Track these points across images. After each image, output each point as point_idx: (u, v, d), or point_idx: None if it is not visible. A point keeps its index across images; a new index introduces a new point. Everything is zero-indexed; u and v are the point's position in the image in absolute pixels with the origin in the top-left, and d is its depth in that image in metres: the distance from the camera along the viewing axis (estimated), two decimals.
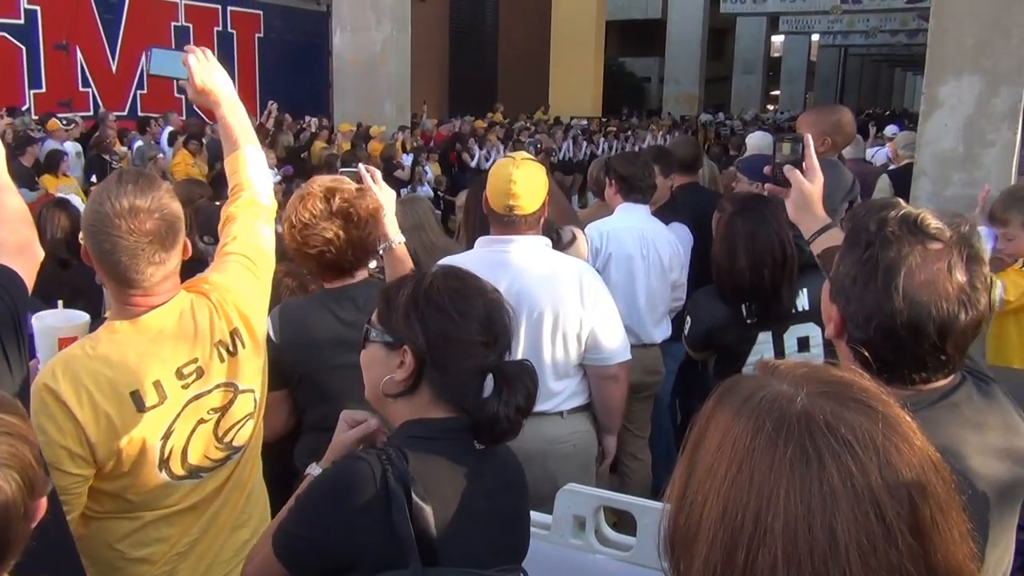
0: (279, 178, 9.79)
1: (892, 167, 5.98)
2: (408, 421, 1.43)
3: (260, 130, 11.92)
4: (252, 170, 2.01)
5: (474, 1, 24.81)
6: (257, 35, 16.94)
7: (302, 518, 1.36)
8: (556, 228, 2.71)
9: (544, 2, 22.26)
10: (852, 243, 1.28)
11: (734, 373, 2.74)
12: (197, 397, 1.77)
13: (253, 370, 1.88)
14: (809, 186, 1.82)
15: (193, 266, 2.96)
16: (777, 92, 37.99)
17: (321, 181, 2.23)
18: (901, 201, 1.31)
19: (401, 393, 1.42)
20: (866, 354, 1.23)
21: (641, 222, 3.56)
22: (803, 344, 2.74)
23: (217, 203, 3.60)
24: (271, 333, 2.13)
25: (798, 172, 1.83)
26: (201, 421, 1.79)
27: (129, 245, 1.64)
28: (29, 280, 1.82)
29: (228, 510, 1.90)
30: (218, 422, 1.82)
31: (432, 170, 13.05)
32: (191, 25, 15.84)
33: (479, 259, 2.49)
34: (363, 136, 12.91)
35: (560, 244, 2.67)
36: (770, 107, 34.20)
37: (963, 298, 1.20)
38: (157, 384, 1.71)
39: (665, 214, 4.00)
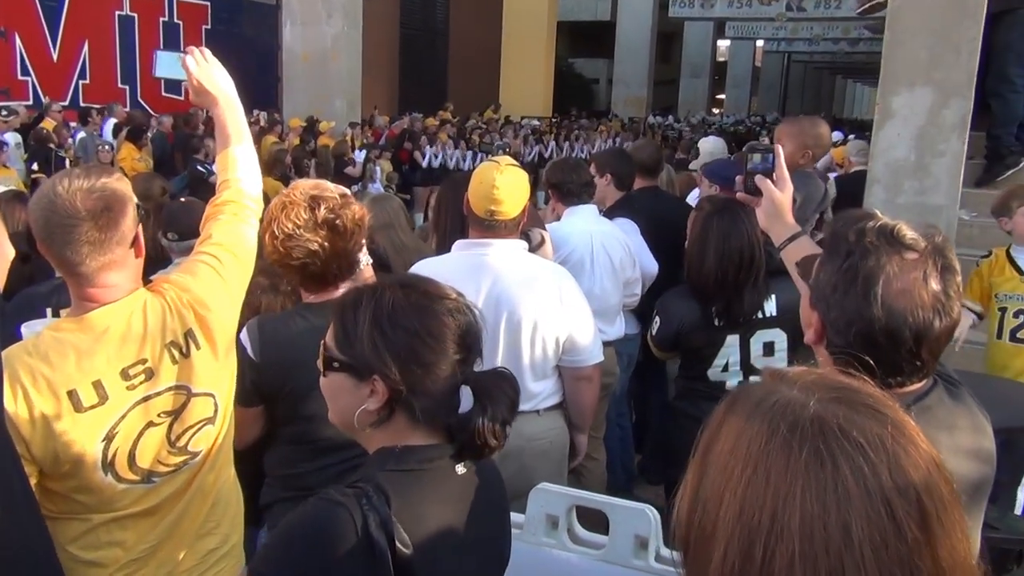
0: None
1: (836, 174, 6.15)
2: (384, 450, 1.34)
3: (199, 121, 11.75)
4: (241, 169, 2.00)
5: None
6: (204, 27, 16.60)
7: (278, 568, 1.25)
8: (525, 231, 2.73)
9: (495, 1, 22.28)
10: (832, 252, 1.33)
11: (699, 374, 2.81)
12: (146, 399, 1.72)
13: (211, 373, 1.83)
14: (780, 195, 1.88)
15: (155, 264, 2.93)
16: (723, 96, 38.61)
17: (303, 188, 2.12)
18: (878, 212, 1.36)
19: (375, 422, 1.33)
20: (847, 359, 1.28)
21: (588, 224, 3.59)
22: (768, 349, 2.82)
23: (183, 199, 3.55)
24: (249, 350, 2.06)
25: (769, 182, 1.89)
26: (151, 424, 1.74)
27: (63, 221, 1.61)
28: (0, 277, 1.78)
29: (191, 517, 1.85)
30: (171, 426, 1.77)
31: (383, 167, 12.98)
32: (136, 15, 15.47)
33: (458, 263, 2.50)
34: (312, 132, 12.79)
35: (531, 247, 2.70)
36: (716, 111, 34.73)
37: (938, 306, 1.26)
38: (97, 384, 1.66)
39: (622, 215, 4.06)
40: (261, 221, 2.08)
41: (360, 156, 12.44)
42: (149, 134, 11.17)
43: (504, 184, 2.45)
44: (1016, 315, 3.37)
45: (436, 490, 1.31)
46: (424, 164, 14.26)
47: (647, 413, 4.65)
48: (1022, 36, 4.87)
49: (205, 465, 1.86)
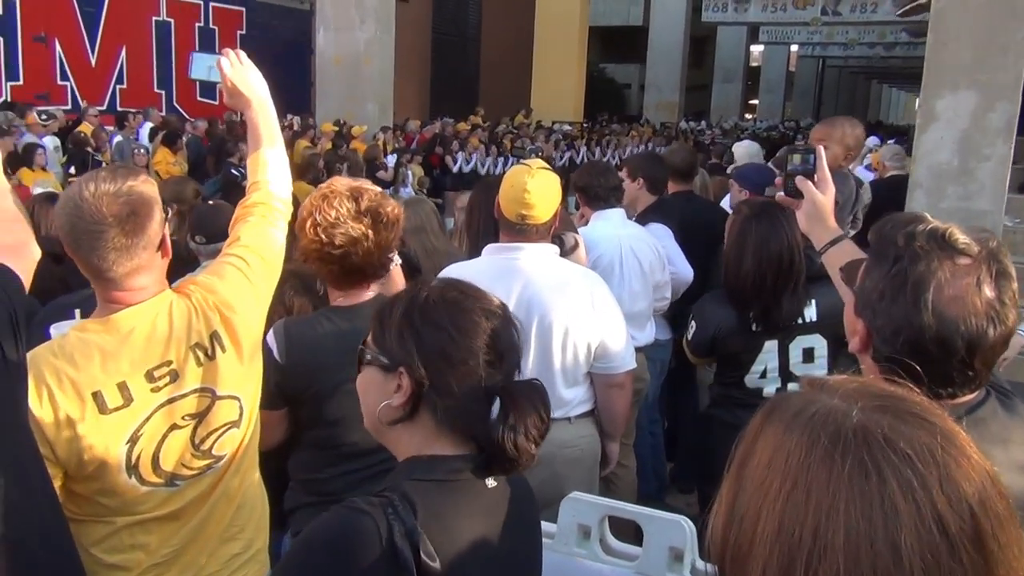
0: None
1: (872, 178, 6.06)
2: (413, 459, 1.32)
3: (241, 127, 11.87)
4: (271, 172, 1.99)
5: (457, 3, 24.82)
6: (239, 32, 16.81)
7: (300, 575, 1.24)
8: (558, 234, 2.69)
9: (527, 6, 22.30)
10: (880, 257, 1.28)
11: (735, 380, 2.76)
12: (170, 401, 1.71)
13: (236, 376, 1.81)
14: (821, 197, 1.83)
15: (186, 266, 2.93)
16: (756, 101, 38.30)
17: (343, 182, 2.12)
18: (928, 215, 1.30)
19: (399, 419, 1.31)
20: (895, 368, 1.22)
21: (616, 228, 3.55)
22: (808, 355, 2.75)
23: (211, 202, 3.56)
24: (275, 352, 2.05)
25: (810, 183, 1.84)
26: (175, 427, 1.72)
27: (89, 228, 1.59)
28: (27, 279, 1.77)
29: (215, 521, 1.83)
30: (195, 429, 1.76)
31: (414, 172, 13.02)
32: (172, 20, 15.71)
33: (489, 267, 2.47)
34: (345, 136, 12.85)
35: (563, 251, 2.66)
36: (748, 116, 34.46)
37: (992, 313, 1.20)
38: (122, 386, 1.65)
39: (656, 220, 4.02)
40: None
41: (391, 160, 12.48)
42: (184, 138, 11.27)
43: (535, 188, 2.41)
44: None
45: (465, 502, 1.28)
46: (455, 169, 14.29)
47: (679, 420, 4.59)
48: None
49: (230, 469, 1.84)
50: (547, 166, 2.53)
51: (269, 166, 2.01)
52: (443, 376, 1.27)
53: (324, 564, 1.19)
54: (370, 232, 2.05)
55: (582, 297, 2.49)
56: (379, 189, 2.16)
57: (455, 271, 2.51)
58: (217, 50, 2.09)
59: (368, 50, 13.69)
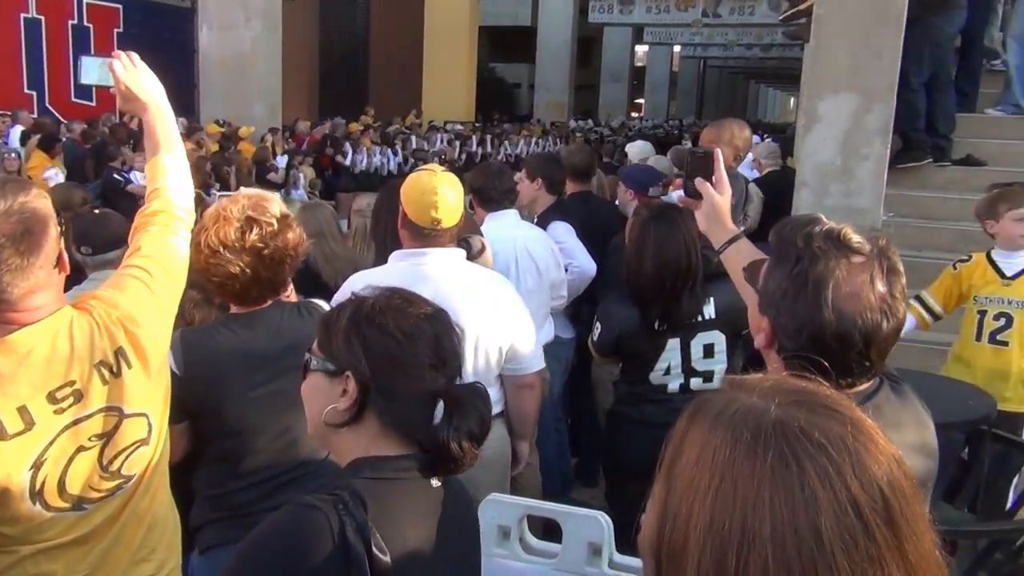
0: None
1: (755, 176, 6.32)
2: (359, 460, 1.34)
3: (123, 129, 11.40)
4: (171, 178, 1.92)
5: (344, 2, 24.47)
6: (116, 30, 16.10)
7: (255, 574, 1.24)
8: (464, 237, 2.71)
9: (416, 5, 22.17)
10: (781, 258, 1.35)
11: (641, 378, 2.83)
12: (75, 423, 1.64)
13: (144, 393, 1.75)
14: (719, 199, 1.91)
15: (72, 277, 2.80)
16: (642, 100, 39.23)
17: (244, 205, 2.08)
18: (823, 216, 1.39)
19: (345, 423, 1.34)
20: (800, 362, 1.30)
21: (511, 228, 3.60)
22: (708, 351, 2.86)
23: (97, 210, 3.40)
24: (172, 364, 1.99)
25: (708, 185, 1.91)
26: (81, 449, 1.65)
27: None
28: None
29: (124, 544, 1.77)
30: (103, 449, 1.69)
31: (306, 173, 12.78)
32: (43, 18, 14.90)
33: (398, 274, 2.46)
34: (232, 138, 12.51)
35: (471, 254, 2.68)
36: (635, 115, 35.25)
37: (884, 308, 1.29)
38: (23, 410, 1.57)
39: (556, 218, 4.08)
40: (195, 242, 2.02)
41: (282, 162, 12.22)
42: (60, 142, 10.73)
43: (446, 192, 2.43)
44: (996, 318, 3.45)
45: (411, 500, 1.32)
46: (354, 166, 14.08)
47: (580, 417, 4.67)
48: (919, 40, 5.11)
49: (139, 488, 1.78)
50: (445, 170, 2.55)
51: (168, 172, 1.94)
52: (388, 380, 1.32)
53: (277, 561, 1.20)
54: (248, 270, 2.04)
55: (491, 301, 2.52)
56: (284, 214, 2.12)
57: (362, 279, 2.49)
58: (92, 50, 2.01)
59: (254, 50, 13.36)
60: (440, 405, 1.33)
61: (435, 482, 1.35)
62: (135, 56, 1.94)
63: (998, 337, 3.40)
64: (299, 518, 1.23)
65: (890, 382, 1.41)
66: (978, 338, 3.49)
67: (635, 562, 1.88)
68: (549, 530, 2.20)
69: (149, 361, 1.75)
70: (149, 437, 1.77)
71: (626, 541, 1.92)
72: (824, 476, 0.75)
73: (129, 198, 9.15)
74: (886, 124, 3.76)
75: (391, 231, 2.60)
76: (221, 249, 2.02)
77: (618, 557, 1.91)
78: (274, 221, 2.08)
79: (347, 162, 14.01)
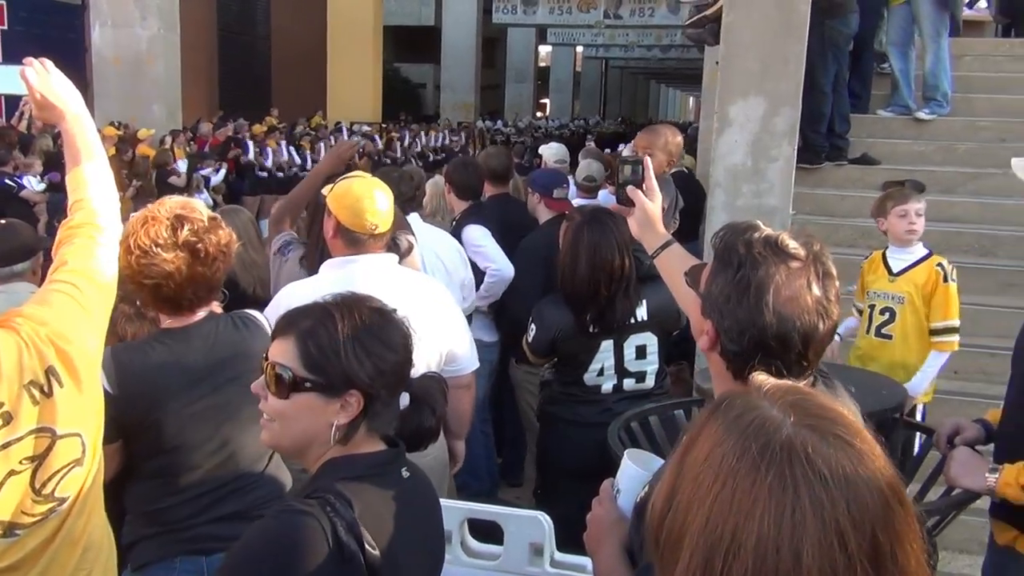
0: (43, 186, 8.96)
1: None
2: (331, 461, 1.37)
3: (12, 132, 10.84)
4: (92, 188, 1.86)
5: (243, 0, 23.90)
6: (0, 28, 15.31)
7: None
8: (392, 237, 2.70)
9: (318, 4, 21.81)
10: (724, 263, 1.41)
11: (575, 379, 2.89)
12: (5, 446, 1.57)
13: (77, 411, 1.69)
14: (651, 205, 1.96)
15: None
16: (547, 100, 39.62)
17: (171, 205, 2.04)
18: (760, 223, 1.45)
19: (344, 437, 1.38)
20: (739, 364, 1.36)
21: (416, 232, 3.62)
22: (640, 352, 2.93)
23: (3, 220, 3.26)
24: (105, 383, 1.91)
25: (640, 192, 1.96)
26: (12, 473, 1.59)
27: None
28: None
29: (58, 568, 1.70)
30: (35, 472, 1.62)
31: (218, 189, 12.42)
32: None
33: (332, 282, 2.44)
34: (130, 140, 12.05)
35: (399, 255, 2.67)
36: (540, 115, 35.58)
37: (821, 310, 1.36)
38: None
39: (471, 221, 4.10)
40: (124, 246, 1.96)
41: (183, 165, 11.85)
42: None
43: (379, 197, 2.42)
44: (882, 312, 3.63)
45: (390, 493, 1.37)
46: (250, 157, 13.73)
47: (504, 417, 4.71)
48: (820, 44, 5.36)
49: (74, 510, 1.71)
50: (369, 175, 2.55)
51: (91, 183, 1.87)
52: (384, 389, 1.38)
53: (273, 569, 1.21)
54: (183, 268, 1.99)
55: (427, 305, 2.51)
56: (211, 215, 2.09)
57: (299, 289, 2.46)
58: None
59: (151, 49, 12.94)
60: (404, 396, 1.41)
61: (405, 473, 1.42)
62: (48, 63, 1.87)
63: (883, 330, 3.59)
64: (291, 524, 1.24)
65: (823, 379, 1.48)
66: (868, 331, 3.70)
67: (577, 560, 1.92)
68: (484, 532, 2.23)
69: (81, 379, 1.69)
70: (83, 457, 1.71)
71: (564, 539, 1.96)
72: (817, 506, 0.78)
73: (21, 204, 8.73)
74: (793, 126, 3.93)
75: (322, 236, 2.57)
76: (153, 248, 1.97)
77: (559, 555, 1.94)
78: (203, 218, 2.05)
79: (250, 156, 13.59)
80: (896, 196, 3.68)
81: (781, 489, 0.79)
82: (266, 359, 1.42)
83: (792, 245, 1.38)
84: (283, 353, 1.39)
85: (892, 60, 6.51)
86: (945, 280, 3.55)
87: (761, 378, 0.93)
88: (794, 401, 0.87)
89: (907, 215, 3.57)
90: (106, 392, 1.92)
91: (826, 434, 0.83)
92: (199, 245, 2.01)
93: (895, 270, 3.64)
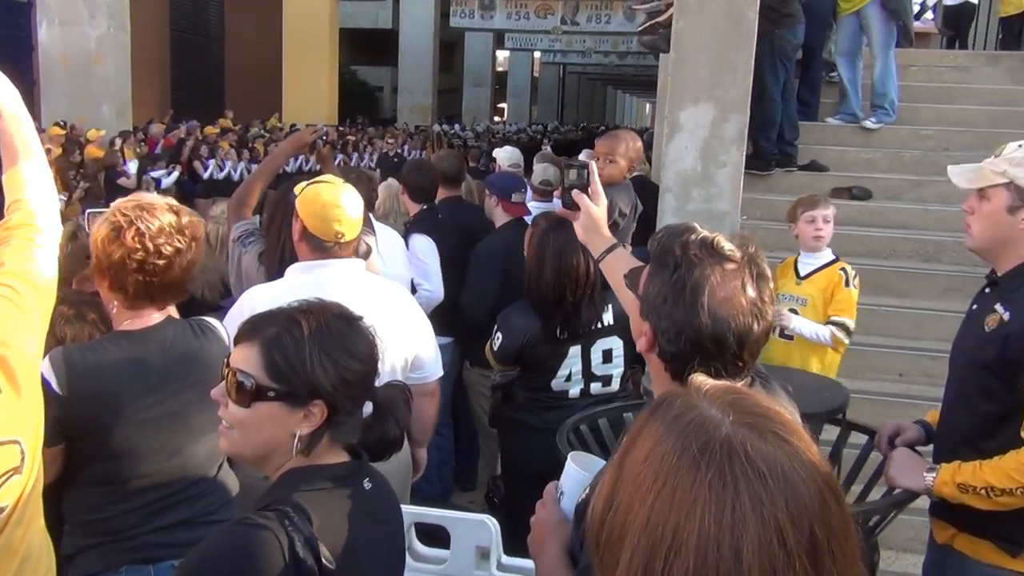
0: None
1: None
2: (292, 471, 1.34)
3: None
4: (31, 189, 1.81)
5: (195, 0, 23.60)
6: None
7: None
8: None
9: (273, 5, 21.61)
10: (660, 265, 1.42)
11: (543, 385, 2.88)
12: None
13: (15, 418, 1.64)
14: (596, 209, 1.96)
15: None
16: (504, 105, 39.71)
17: (152, 196, 2.07)
18: (696, 225, 1.47)
19: (307, 446, 1.35)
20: (677, 365, 1.38)
21: None
22: (607, 356, 2.94)
23: None
24: (53, 384, 1.89)
25: (585, 197, 1.97)
26: None
27: None
28: None
29: None
30: None
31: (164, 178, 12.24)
32: None
33: (298, 287, 2.40)
34: (79, 142, 11.82)
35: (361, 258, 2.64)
36: (497, 119, 35.65)
37: (755, 311, 1.38)
38: None
39: (427, 226, 4.10)
40: (115, 228, 1.97)
41: (133, 167, 11.64)
42: None
43: (348, 204, 2.38)
44: None
45: (350, 506, 1.34)
46: (206, 175, 13.59)
47: (458, 422, 4.71)
48: (770, 53, 5.46)
49: (12, 520, 1.66)
50: (342, 179, 2.49)
51: (28, 183, 1.83)
52: (349, 398, 1.36)
53: None
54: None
55: (392, 311, 2.48)
56: (185, 208, 2.11)
57: (263, 292, 2.42)
58: None
59: (100, 48, 12.70)
60: (368, 405, 1.40)
61: (367, 484, 1.39)
62: None
63: (785, 332, 3.65)
64: (247, 538, 1.22)
65: (760, 380, 1.50)
66: (774, 332, 3.75)
67: (523, 563, 1.93)
68: (433, 536, 2.22)
69: (20, 384, 1.64)
70: (22, 465, 1.66)
71: (518, 544, 1.96)
72: (756, 503, 0.79)
73: None
74: (741, 132, 4.00)
75: (287, 233, 2.53)
76: (164, 230, 1.98)
77: (506, 559, 1.95)
78: (184, 207, 2.10)
79: (206, 170, 13.50)
80: (806, 203, 3.74)
81: (721, 487, 0.79)
82: (227, 365, 1.38)
83: (727, 247, 1.40)
84: (246, 360, 1.35)
85: (840, 69, 6.65)
86: (847, 284, 3.61)
87: (700, 379, 0.93)
88: (732, 400, 0.88)
89: (815, 221, 3.64)
90: (53, 392, 1.89)
91: (764, 432, 0.84)
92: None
93: (802, 274, 3.71)
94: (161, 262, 1.99)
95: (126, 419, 1.96)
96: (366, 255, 2.73)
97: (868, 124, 6.48)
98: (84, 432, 1.96)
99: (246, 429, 1.36)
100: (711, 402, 0.87)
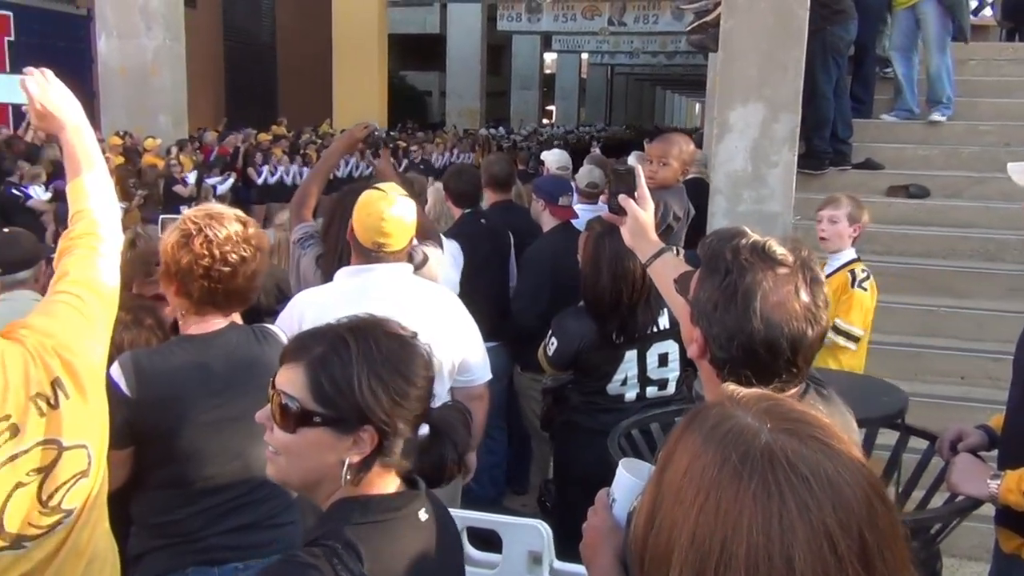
0: (49, 195, 9.01)
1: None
2: (345, 501, 1.26)
3: (20, 142, 10.92)
4: (93, 199, 1.87)
5: (248, 9, 24.02)
6: (7, 38, 15.43)
7: None
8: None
9: (323, 13, 21.89)
10: (711, 270, 1.41)
11: (598, 389, 2.88)
12: (12, 459, 1.57)
13: (83, 423, 1.69)
14: (643, 214, 1.95)
15: None
16: (552, 107, 39.67)
17: (214, 208, 2.13)
18: (747, 229, 1.45)
19: (358, 473, 1.26)
20: (729, 371, 1.36)
21: None
22: (663, 360, 2.92)
23: (6, 230, 3.28)
24: (123, 387, 1.95)
25: (632, 202, 1.96)
26: (19, 485, 1.59)
27: None
28: None
29: None
30: (41, 484, 1.62)
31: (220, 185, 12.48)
32: None
33: (342, 290, 2.44)
34: (138, 150, 12.11)
35: (413, 266, 2.65)
36: (545, 121, 35.63)
37: (809, 316, 1.36)
38: None
39: (460, 231, 4.10)
40: (184, 234, 2.03)
41: (191, 176, 11.90)
42: None
43: (393, 217, 2.40)
44: None
45: (404, 541, 1.26)
46: (259, 181, 13.83)
47: (511, 426, 4.71)
48: (822, 50, 5.36)
49: (79, 522, 1.72)
50: (404, 191, 2.49)
51: (91, 193, 1.89)
52: (402, 422, 1.25)
53: None
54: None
55: (439, 314, 2.49)
56: (251, 219, 2.17)
57: (309, 296, 2.47)
58: None
59: (157, 59, 12.96)
60: (424, 428, 1.30)
61: (423, 515, 1.30)
62: (49, 73, 1.89)
63: None
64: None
65: (815, 386, 1.48)
66: None
67: (575, 568, 1.92)
68: (485, 540, 2.22)
69: (87, 390, 1.70)
70: (89, 469, 1.72)
71: (570, 549, 1.96)
72: (803, 509, 0.78)
73: (29, 214, 8.79)
74: (792, 132, 3.94)
75: (343, 238, 2.56)
76: (232, 238, 2.04)
77: (558, 564, 1.94)
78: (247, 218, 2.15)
79: (259, 176, 13.76)
80: (826, 203, 3.66)
81: (766, 496, 0.78)
82: (272, 386, 1.30)
83: (779, 251, 1.38)
84: (291, 382, 1.26)
85: (896, 64, 6.51)
86: (852, 285, 3.51)
87: (732, 387, 0.92)
88: (768, 407, 0.86)
89: (821, 221, 3.56)
90: (124, 396, 1.95)
91: (804, 437, 0.83)
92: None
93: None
94: (226, 269, 2.03)
95: (191, 422, 2.00)
96: (421, 264, 2.75)
97: (935, 117, 6.31)
98: (152, 435, 2.01)
99: (292, 455, 1.28)
100: (746, 410, 0.86)
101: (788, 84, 3.84)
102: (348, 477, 1.25)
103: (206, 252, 2.01)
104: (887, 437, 2.84)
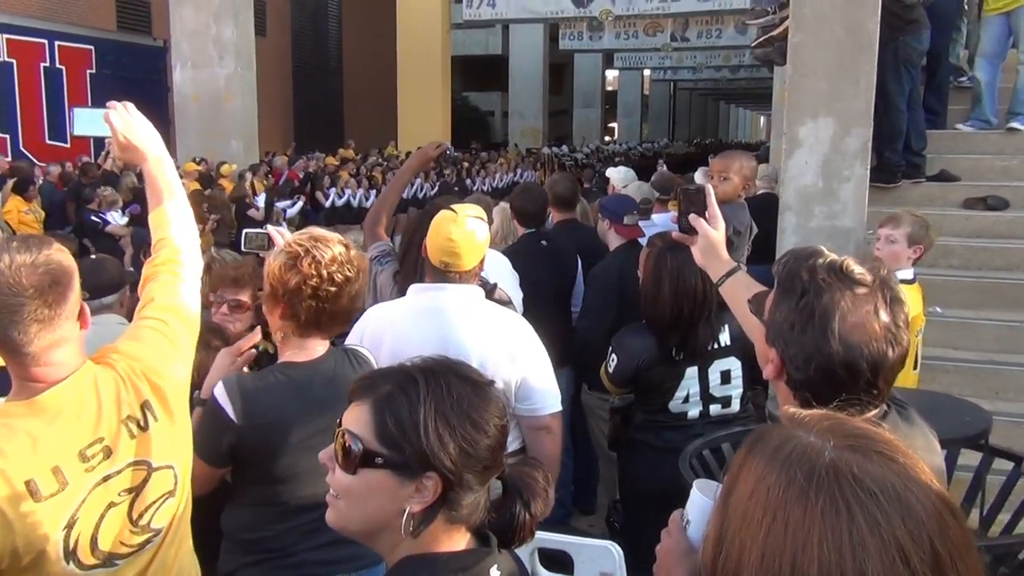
0: (126, 220, 9.34)
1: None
2: (412, 559, 1.19)
3: (96, 169, 11.34)
4: (175, 227, 1.95)
5: (315, 36, 24.62)
6: (89, 71, 16.10)
7: None
8: (483, 281, 2.68)
9: (388, 37, 22.32)
10: (787, 290, 1.39)
11: (660, 406, 2.84)
12: (105, 479, 1.64)
13: (170, 444, 1.76)
14: (714, 233, 1.93)
15: None
16: (615, 124, 39.61)
17: (319, 232, 2.18)
18: (823, 248, 1.43)
19: (419, 524, 1.17)
20: (807, 393, 1.34)
21: None
22: (725, 377, 2.89)
23: (93, 256, 3.41)
24: (229, 412, 2.00)
25: (703, 220, 1.94)
26: (111, 505, 1.66)
27: (7, 301, 1.52)
28: None
29: None
30: (132, 504, 1.69)
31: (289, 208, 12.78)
32: (15, 61, 14.87)
33: (412, 307, 2.48)
34: (213, 176, 12.48)
35: (487, 292, 2.66)
36: (608, 139, 35.57)
37: (889, 337, 1.33)
38: (56, 470, 1.57)
39: (516, 250, 4.10)
40: (291, 256, 2.08)
41: (260, 199, 12.20)
42: (36, 185, 10.66)
43: (460, 238, 2.41)
44: None
45: None
46: (327, 204, 14.12)
47: (576, 444, 4.69)
48: (893, 61, 5.24)
49: (167, 540, 1.78)
50: (479, 212, 2.49)
51: (172, 221, 1.97)
52: (466, 473, 1.17)
53: None
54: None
55: (500, 339, 2.48)
56: (351, 242, 2.22)
57: (378, 312, 2.51)
58: (65, 92, 2.03)
59: (229, 87, 13.37)
60: (496, 484, 1.22)
61: (495, 572, 1.22)
62: (131, 106, 1.96)
63: None
64: None
65: (897, 407, 1.44)
66: None
67: None
68: (556, 561, 2.21)
69: (174, 411, 1.77)
70: (176, 489, 1.78)
71: (640, 569, 1.94)
72: (873, 524, 0.77)
73: (108, 239, 9.12)
74: (864, 146, 3.86)
75: (420, 258, 2.60)
76: (337, 259, 2.08)
77: None
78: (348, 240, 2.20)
79: (327, 199, 14.06)
80: (886, 221, 3.49)
81: (834, 513, 0.78)
82: (339, 425, 1.25)
83: (857, 271, 1.36)
84: (356, 421, 1.21)
85: (980, 71, 6.31)
86: None
87: (792, 410, 0.92)
88: (830, 426, 0.86)
89: (879, 239, 3.42)
90: (229, 421, 2.02)
91: (868, 452, 0.82)
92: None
93: None
94: (333, 289, 2.07)
95: (291, 446, 2.05)
96: (492, 290, 2.74)
97: (1015, 125, 6.10)
98: (253, 458, 2.07)
99: (351, 498, 1.22)
100: (808, 430, 0.86)
101: (859, 97, 3.77)
102: (409, 528, 1.17)
103: (314, 272, 2.04)
104: (969, 458, 2.75)
